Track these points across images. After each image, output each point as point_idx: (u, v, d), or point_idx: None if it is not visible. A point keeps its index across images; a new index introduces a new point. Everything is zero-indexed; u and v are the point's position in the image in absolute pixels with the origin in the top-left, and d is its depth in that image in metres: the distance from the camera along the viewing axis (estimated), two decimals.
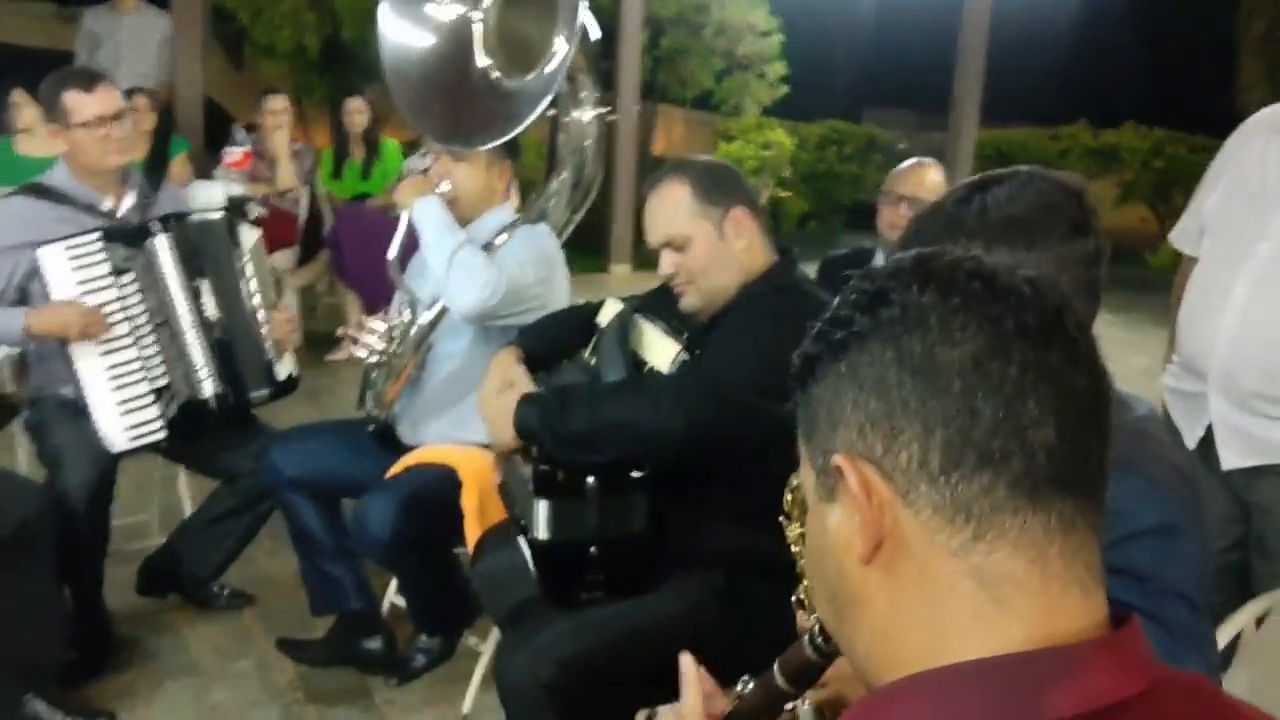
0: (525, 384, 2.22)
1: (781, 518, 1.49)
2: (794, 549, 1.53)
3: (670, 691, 2.23)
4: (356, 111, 6.23)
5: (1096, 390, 0.76)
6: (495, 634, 2.77)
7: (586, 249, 8.57)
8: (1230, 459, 2.27)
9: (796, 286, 2.17)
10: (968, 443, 0.72)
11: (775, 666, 1.06)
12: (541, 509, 2.03)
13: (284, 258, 5.83)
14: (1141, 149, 12.39)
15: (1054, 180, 1.36)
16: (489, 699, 2.84)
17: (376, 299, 5.83)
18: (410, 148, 6.85)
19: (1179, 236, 2.51)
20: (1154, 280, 10.84)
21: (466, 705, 2.84)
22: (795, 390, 0.83)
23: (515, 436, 2.11)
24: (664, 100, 12.29)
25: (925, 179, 3.36)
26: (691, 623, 2.07)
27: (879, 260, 3.45)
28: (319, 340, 5.56)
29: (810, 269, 2.41)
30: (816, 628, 1.02)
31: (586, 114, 2.83)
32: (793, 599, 1.48)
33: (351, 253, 5.70)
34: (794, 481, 1.50)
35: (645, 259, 9.36)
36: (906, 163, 3.45)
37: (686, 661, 1.19)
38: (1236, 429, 2.26)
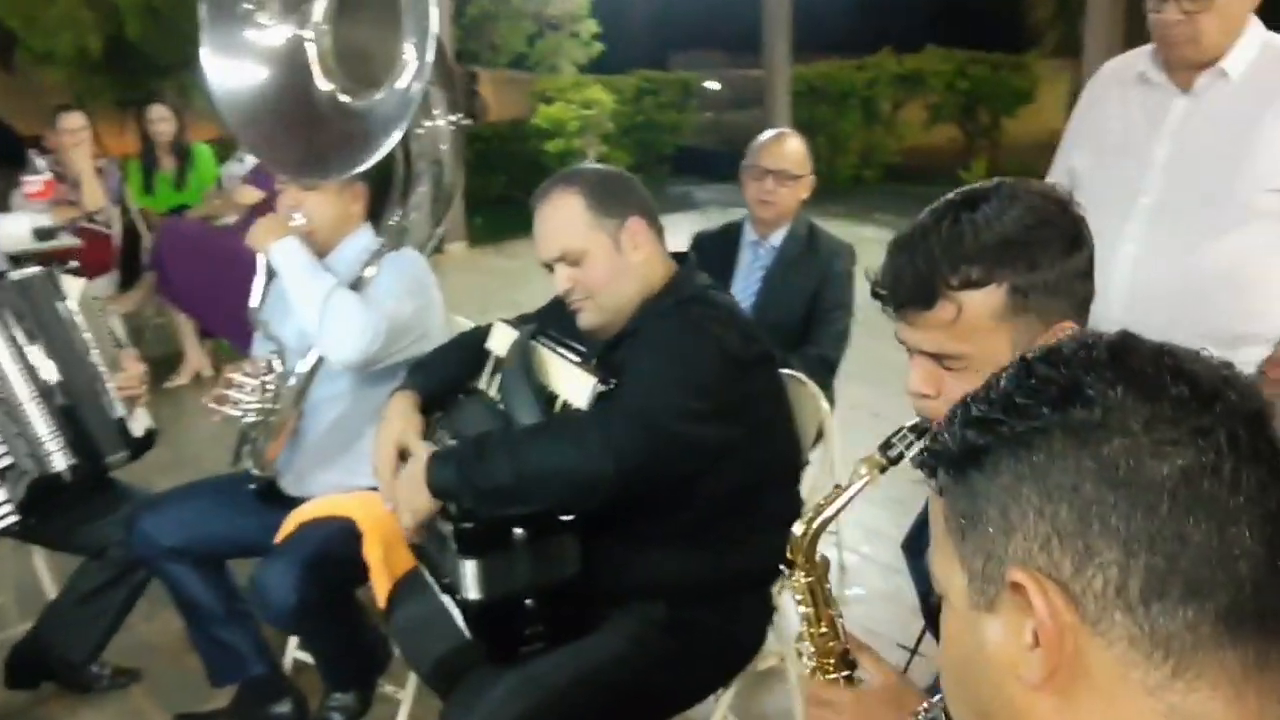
0: (419, 444, 2.08)
1: (783, 566, 1.43)
2: (797, 598, 1.46)
3: None
4: (160, 120, 5.84)
5: None
6: (413, 679, 2.64)
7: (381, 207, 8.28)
8: None
9: (702, 296, 2.09)
10: (1174, 570, 0.66)
11: None
12: (469, 569, 1.91)
13: (103, 284, 5.43)
14: (945, 71, 12.75)
15: (1039, 192, 1.32)
16: None
17: (210, 319, 5.53)
18: (222, 148, 6.48)
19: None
20: None
21: None
22: (944, 472, 0.76)
23: (431, 501, 1.96)
24: (475, 65, 12.01)
25: (786, 149, 3.35)
26: (637, 658, 2.00)
27: (749, 235, 3.40)
28: (154, 366, 5.21)
29: None
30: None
31: (439, 120, 2.68)
32: (806, 669, 1.41)
33: (178, 272, 5.34)
34: (797, 530, 1.44)
35: (479, 237, 9.18)
36: (765, 135, 3.43)
37: None
38: None
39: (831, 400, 3.11)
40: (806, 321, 3.29)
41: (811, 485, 2.35)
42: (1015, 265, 1.27)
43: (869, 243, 8.92)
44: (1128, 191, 2.28)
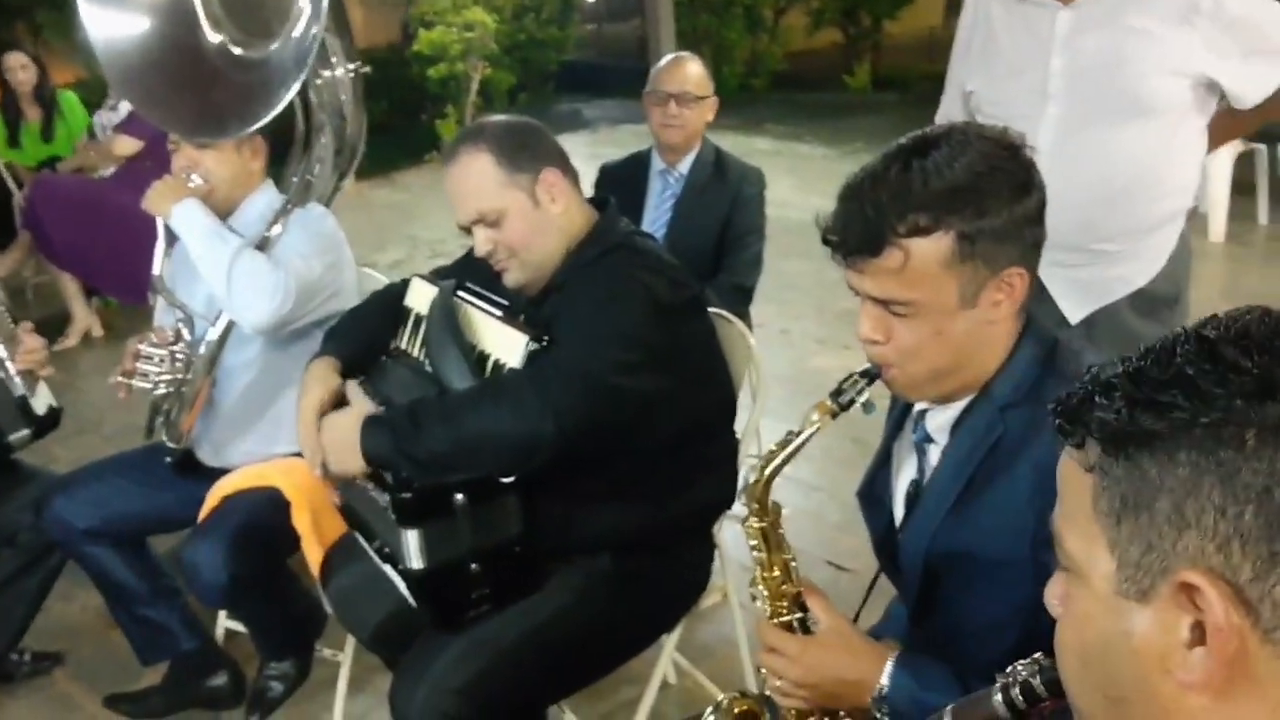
0: (358, 399, 2.02)
1: (748, 514, 1.45)
2: (751, 543, 1.47)
3: (575, 685, 2.17)
4: (20, 68, 5.51)
5: None
6: (352, 641, 2.61)
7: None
8: (1073, 313, 2.35)
9: (627, 244, 2.05)
10: None
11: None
12: (411, 539, 1.87)
13: None
14: None
15: (991, 138, 1.31)
16: (358, 707, 2.72)
17: (95, 277, 5.30)
18: (90, 92, 6.16)
19: (943, 120, 2.55)
20: (858, 104, 11.28)
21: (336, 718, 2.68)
22: (1101, 449, 0.72)
23: (364, 467, 1.91)
24: None
25: (686, 72, 3.31)
26: (584, 611, 2.00)
27: (656, 164, 3.35)
28: (39, 329, 4.99)
29: None
30: (1017, 688, 0.95)
31: (339, 69, 2.56)
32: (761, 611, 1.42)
33: (56, 229, 5.09)
34: (751, 477, 1.44)
35: (366, 169, 8.92)
36: (665, 60, 3.39)
37: None
38: (1068, 280, 2.34)
39: (749, 325, 3.11)
40: (719, 248, 3.27)
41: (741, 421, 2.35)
42: (963, 213, 1.26)
43: (762, 155, 8.96)
44: (1031, 107, 2.32)
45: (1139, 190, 2.29)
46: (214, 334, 2.48)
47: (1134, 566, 0.70)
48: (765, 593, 1.49)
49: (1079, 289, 2.35)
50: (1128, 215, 2.30)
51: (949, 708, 1.00)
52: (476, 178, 2.00)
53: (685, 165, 3.34)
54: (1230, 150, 5.76)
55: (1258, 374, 0.66)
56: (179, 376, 2.48)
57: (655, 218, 3.34)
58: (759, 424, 2.52)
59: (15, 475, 2.81)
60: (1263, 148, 5.97)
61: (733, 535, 2.45)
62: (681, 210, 3.31)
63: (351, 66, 2.54)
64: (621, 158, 3.50)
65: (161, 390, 2.50)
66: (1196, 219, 5.89)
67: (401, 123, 10.52)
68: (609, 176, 3.42)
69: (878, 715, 1.34)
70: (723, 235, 3.28)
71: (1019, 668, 0.97)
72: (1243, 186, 5.95)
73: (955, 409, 1.41)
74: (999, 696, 0.95)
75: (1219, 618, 0.66)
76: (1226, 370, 0.67)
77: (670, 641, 2.28)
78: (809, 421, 1.42)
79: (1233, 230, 5.86)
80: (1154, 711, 0.70)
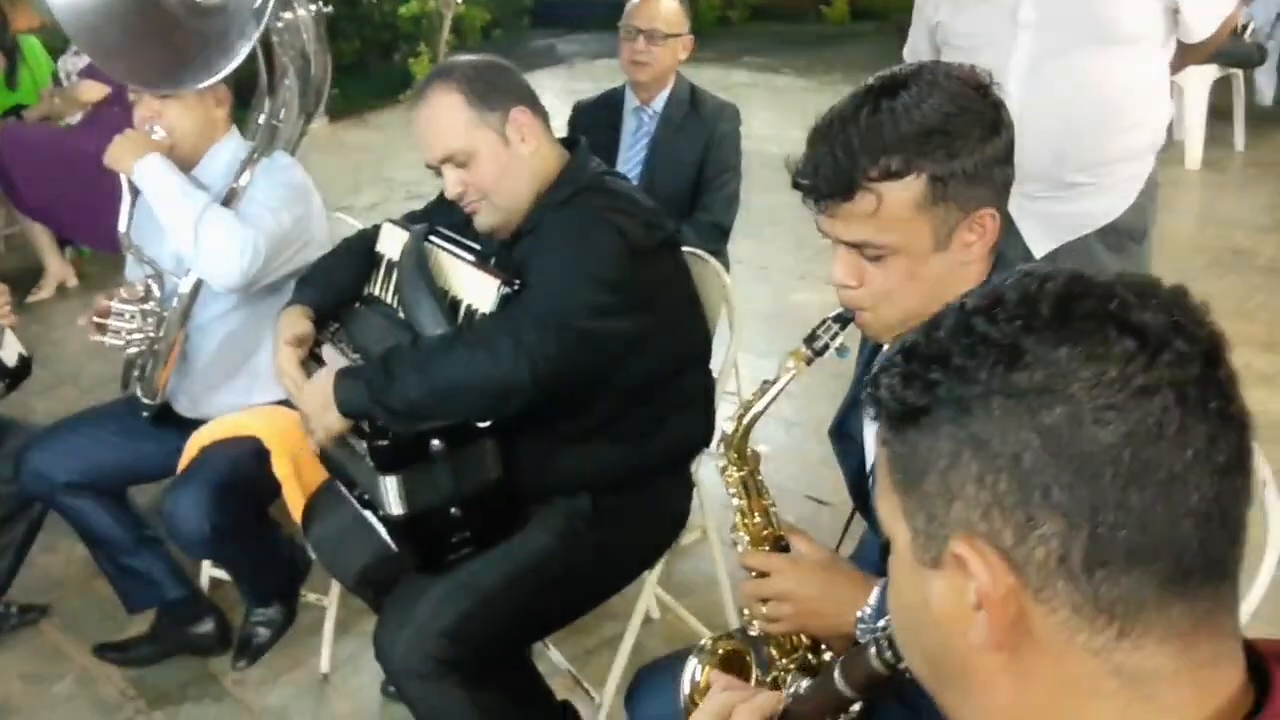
0: (333, 358, 2.01)
1: (727, 463, 1.48)
2: (730, 491, 1.49)
3: (557, 623, 2.20)
4: None
5: (1243, 442, 0.69)
6: (336, 585, 2.63)
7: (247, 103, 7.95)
8: (1039, 246, 2.36)
9: (599, 184, 2.04)
10: (1116, 539, 0.65)
11: (837, 671, 1.00)
12: (390, 486, 1.87)
13: None
14: None
15: (960, 77, 1.30)
16: (345, 650, 2.75)
17: (66, 227, 5.23)
18: (53, 37, 6.02)
19: (911, 57, 2.53)
20: (835, 35, 11.16)
21: (324, 664, 2.71)
22: (883, 424, 0.74)
23: (342, 420, 1.91)
24: None
25: (659, 8, 3.26)
26: (565, 551, 2.02)
27: (630, 101, 3.31)
28: (13, 281, 4.93)
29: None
30: (884, 641, 0.97)
31: (300, 9, 2.52)
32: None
33: (25, 180, 5.00)
34: (728, 427, 1.46)
35: (339, 110, 8.82)
36: None
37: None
38: (1037, 214, 2.34)
39: (726, 264, 3.10)
40: (696, 187, 3.25)
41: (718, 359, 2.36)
42: (934, 155, 1.26)
43: (741, 88, 8.87)
44: (1002, 36, 2.31)
45: (1109, 120, 2.29)
46: (184, 289, 2.46)
47: (923, 535, 0.72)
48: (746, 538, 1.51)
49: (1047, 223, 2.35)
50: (1098, 146, 2.31)
51: (839, 661, 1.02)
52: (446, 118, 1.98)
53: (659, 102, 3.29)
54: (1207, 76, 5.74)
55: (1003, 343, 0.68)
56: (150, 334, 2.47)
57: (630, 156, 3.31)
58: (736, 359, 2.52)
59: None
60: (1239, 74, 5.94)
61: (711, 473, 2.47)
62: (657, 149, 3.28)
63: (313, 6, 2.49)
64: (595, 95, 3.45)
65: (134, 349, 2.49)
66: (1172, 147, 5.90)
67: (374, 62, 10.35)
68: (582, 114, 3.38)
69: (860, 637, 1.35)
70: (699, 173, 3.24)
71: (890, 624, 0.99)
72: (1219, 113, 5.93)
73: None
74: (873, 650, 0.97)
75: (986, 584, 0.67)
76: (976, 342, 0.69)
77: (651, 578, 2.31)
78: (784, 369, 1.43)
79: (1209, 157, 5.85)
80: (961, 672, 0.72)
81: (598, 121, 3.28)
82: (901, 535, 0.74)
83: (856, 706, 1.07)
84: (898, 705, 1.18)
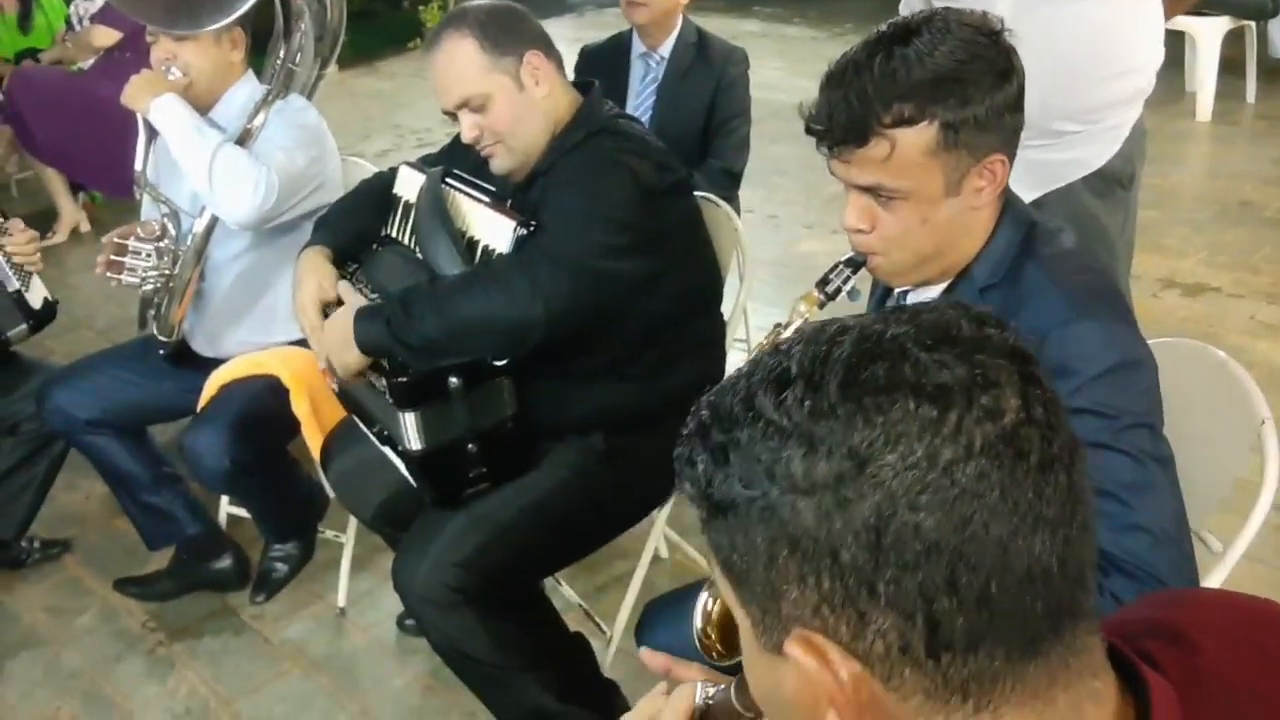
0: (351, 296, 2.05)
1: None
2: None
3: (570, 557, 2.25)
4: None
5: (1072, 478, 0.64)
6: (354, 522, 2.69)
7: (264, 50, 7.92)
8: (1025, 193, 2.37)
9: (612, 127, 2.06)
10: (955, 625, 0.62)
11: (733, 690, 0.95)
12: (409, 421, 1.92)
13: None
14: None
15: (972, 24, 1.32)
16: (361, 585, 2.81)
17: (79, 171, 5.26)
18: None
19: (906, 9, 2.53)
20: None
21: (341, 598, 2.77)
22: (703, 519, 0.69)
23: (361, 357, 1.96)
24: None
25: None
26: (579, 488, 2.07)
27: (637, 47, 3.29)
28: (26, 225, 4.98)
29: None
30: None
31: None
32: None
33: (38, 123, 5.03)
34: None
35: (348, 57, 8.78)
36: None
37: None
38: (1024, 162, 2.35)
39: (737, 209, 3.12)
40: (705, 132, 3.24)
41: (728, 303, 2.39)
42: (946, 101, 1.28)
43: (750, 37, 8.81)
44: None
45: (1098, 67, 2.27)
46: (199, 227, 2.49)
47: (761, 625, 0.68)
48: None
49: (1034, 171, 2.35)
50: (1086, 94, 2.29)
51: (734, 681, 0.96)
52: (461, 63, 2.01)
53: (666, 48, 3.26)
54: (1219, 28, 5.71)
55: (797, 436, 0.63)
56: (166, 272, 2.51)
57: (639, 103, 3.30)
58: (746, 307, 2.56)
59: (15, 368, 2.85)
60: (1252, 26, 5.91)
61: None
62: (665, 95, 3.25)
63: None
64: (602, 40, 3.42)
65: (150, 286, 2.53)
66: (1184, 99, 5.88)
67: (384, 9, 10.30)
68: (589, 60, 3.35)
69: None
70: (709, 119, 3.23)
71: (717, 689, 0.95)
72: (1231, 65, 5.90)
73: (936, 290, 1.45)
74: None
75: (829, 683, 0.64)
76: (767, 430, 0.64)
77: (661, 517, 2.36)
78: (796, 312, 1.46)
79: (1220, 109, 5.83)
80: None
81: (605, 68, 3.25)
82: (744, 622, 0.71)
83: None
84: None
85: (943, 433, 0.61)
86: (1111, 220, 2.33)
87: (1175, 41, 5.99)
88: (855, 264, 1.43)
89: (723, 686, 0.96)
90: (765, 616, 0.67)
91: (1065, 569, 0.64)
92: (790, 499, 0.63)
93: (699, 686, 0.97)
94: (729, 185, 3.19)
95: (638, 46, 3.32)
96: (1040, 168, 2.35)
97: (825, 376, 0.64)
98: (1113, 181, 2.36)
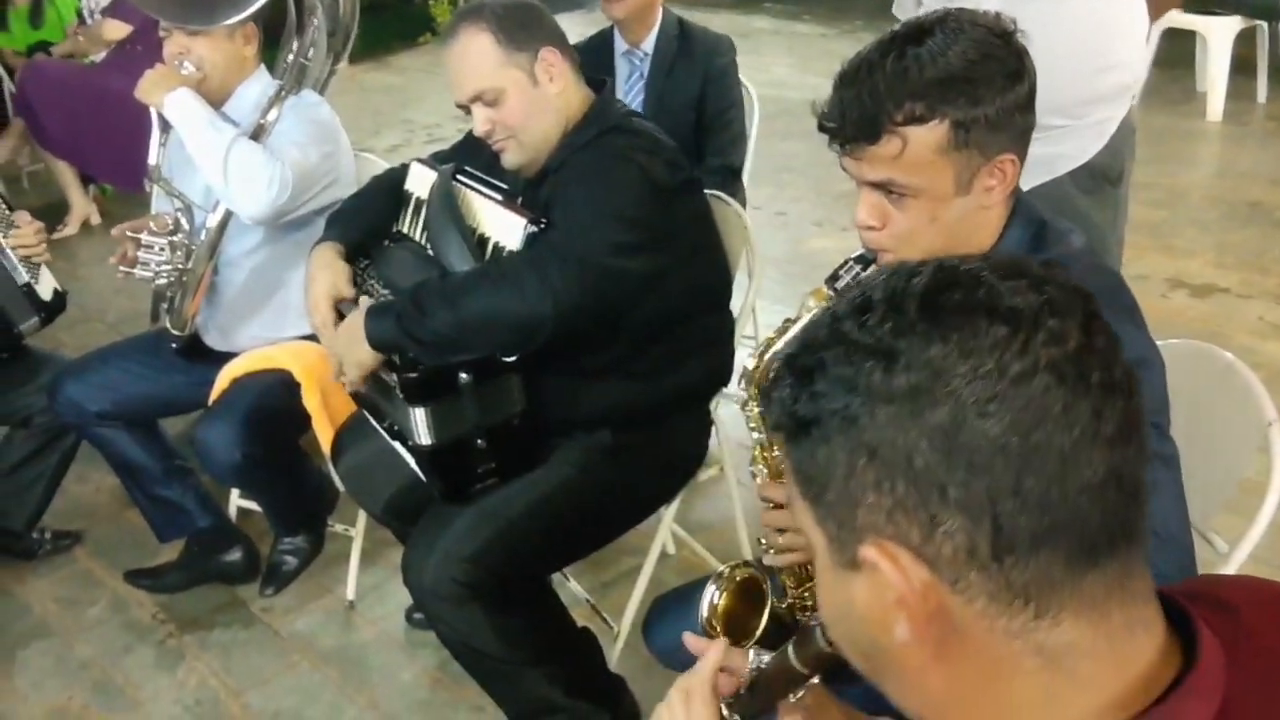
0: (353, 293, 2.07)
1: (748, 399, 1.50)
2: (750, 425, 1.53)
3: (578, 552, 2.27)
4: None
5: (1130, 406, 0.69)
6: (364, 516, 2.71)
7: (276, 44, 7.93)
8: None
9: (623, 125, 2.07)
10: (1018, 526, 0.66)
11: (791, 648, 1.02)
12: (419, 416, 1.93)
13: None
14: None
15: (985, 25, 1.33)
16: (370, 579, 2.83)
17: (90, 164, 5.28)
18: None
19: (899, 11, 2.53)
20: None
21: (350, 592, 2.79)
22: (787, 441, 0.75)
23: (373, 354, 1.97)
24: None
25: None
26: (586, 484, 2.08)
27: (620, 44, 3.23)
28: (37, 217, 4.97)
29: None
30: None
31: None
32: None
33: (49, 116, 5.06)
34: (750, 364, 1.50)
35: (359, 51, 8.80)
36: None
37: (709, 646, 1.11)
38: None
39: (743, 201, 3.06)
40: (699, 128, 3.13)
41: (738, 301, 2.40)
42: (957, 101, 1.29)
43: (760, 34, 8.80)
44: None
45: (1081, 62, 2.26)
46: (213, 222, 2.51)
47: (837, 541, 0.73)
48: (765, 470, 1.56)
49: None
50: (1070, 87, 2.27)
51: (792, 639, 1.03)
52: (476, 57, 2.02)
53: (649, 44, 3.14)
54: (1231, 28, 5.70)
55: (878, 349, 0.68)
56: (179, 266, 2.52)
57: (627, 102, 3.22)
58: (754, 304, 2.57)
59: (27, 361, 2.87)
60: (1263, 25, 5.89)
61: (729, 413, 2.53)
62: (653, 93, 3.15)
63: None
64: (584, 39, 3.27)
65: (163, 280, 2.55)
66: (1195, 98, 5.88)
67: (394, 3, 10.32)
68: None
69: None
70: (700, 114, 3.12)
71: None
72: (1243, 65, 5.89)
73: None
74: (818, 630, 0.97)
75: (901, 585, 0.69)
76: (850, 349, 0.69)
77: (669, 514, 2.37)
78: (805, 308, 1.47)
79: (1231, 109, 5.82)
80: (894, 664, 0.74)
81: (588, 66, 3.17)
82: (818, 540, 0.75)
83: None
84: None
85: (1012, 349, 0.66)
86: (1101, 217, 2.34)
87: (1186, 41, 6.01)
88: (865, 261, 1.44)
89: (773, 656, 1.03)
90: (840, 530, 0.72)
91: (1121, 484, 0.68)
92: (870, 408, 0.68)
93: (751, 653, 1.04)
94: (731, 181, 3.09)
95: (620, 44, 3.20)
96: (1029, 162, 2.35)
97: (906, 300, 0.69)
98: (1101, 178, 2.36)
